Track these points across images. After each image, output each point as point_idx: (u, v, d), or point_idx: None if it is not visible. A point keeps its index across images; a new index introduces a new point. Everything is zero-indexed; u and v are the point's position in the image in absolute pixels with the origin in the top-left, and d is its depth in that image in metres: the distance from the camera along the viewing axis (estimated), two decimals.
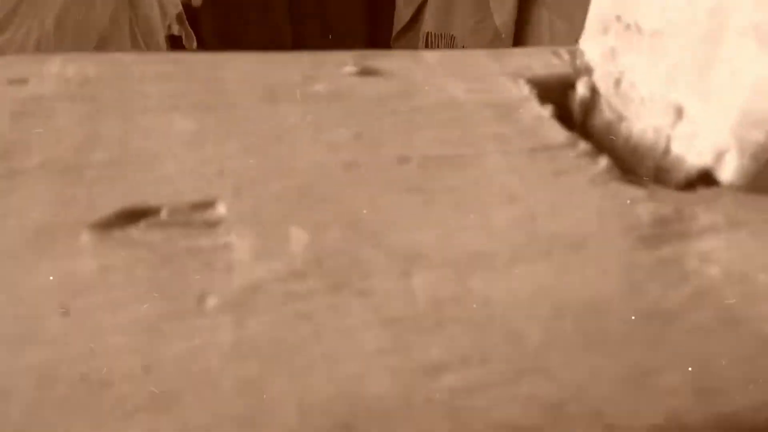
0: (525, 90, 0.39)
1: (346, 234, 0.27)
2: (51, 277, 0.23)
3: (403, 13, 2.31)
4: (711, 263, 0.27)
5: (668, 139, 0.36)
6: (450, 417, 0.20)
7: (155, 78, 0.38)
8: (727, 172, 0.32)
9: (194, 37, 1.93)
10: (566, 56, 0.42)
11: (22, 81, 0.35)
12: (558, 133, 0.35)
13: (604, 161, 0.33)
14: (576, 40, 0.42)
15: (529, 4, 2.02)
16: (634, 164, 0.36)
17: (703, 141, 0.34)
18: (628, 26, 0.38)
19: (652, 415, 0.21)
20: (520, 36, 2.07)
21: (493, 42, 2.11)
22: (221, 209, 0.28)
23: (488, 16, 2.07)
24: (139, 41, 1.86)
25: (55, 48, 1.58)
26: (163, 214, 0.27)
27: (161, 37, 1.85)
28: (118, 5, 1.72)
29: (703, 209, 0.30)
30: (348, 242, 0.27)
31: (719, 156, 0.33)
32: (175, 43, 1.89)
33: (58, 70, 0.36)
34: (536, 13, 2.02)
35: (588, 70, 0.41)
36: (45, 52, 1.56)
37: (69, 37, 1.61)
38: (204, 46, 1.97)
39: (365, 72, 0.39)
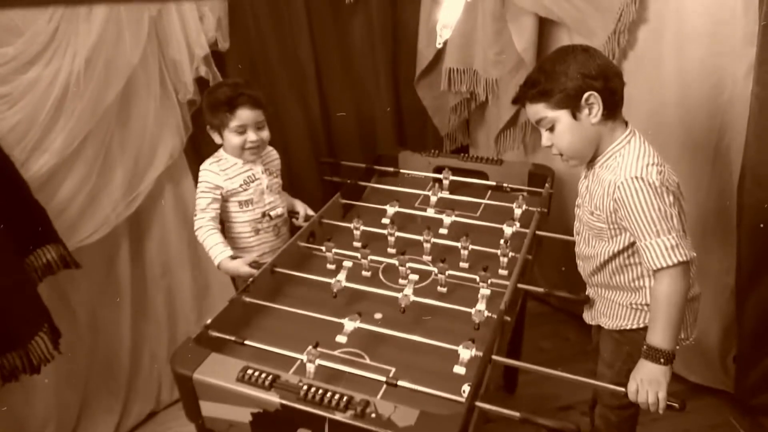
0: None
1: None
2: None
3: (425, 53, 2.35)
4: None
5: None
6: None
7: None
8: None
9: (221, 79, 1.98)
10: None
11: None
12: None
13: None
14: None
15: (548, 26, 2.03)
16: None
17: None
18: None
19: None
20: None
21: (516, 69, 2.10)
22: None
23: (509, 45, 2.08)
24: (167, 82, 1.91)
25: (84, 86, 1.63)
26: None
27: (189, 79, 1.90)
28: (148, 47, 1.78)
29: None
30: None
31: None
32: (202, 85, 1.94)
33: None
34: (556, 34, 2.03)
35: None
36: (72, 90, 1.61)
37: (98, 76, 1.66)
38: None
39: None
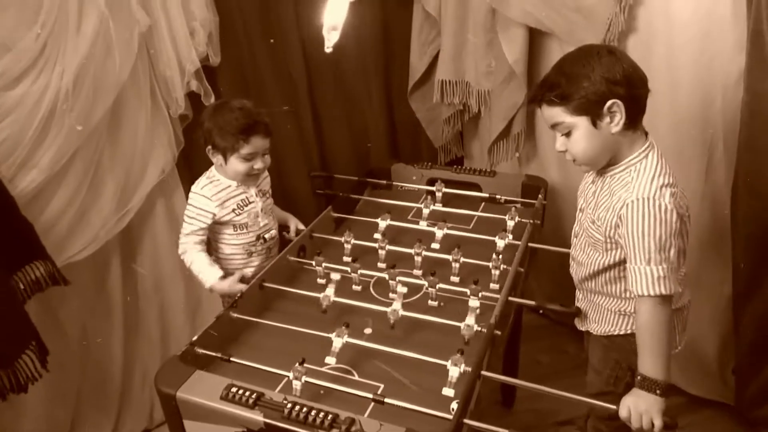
0: None
1: None
2: None
3: (417, 66, 2.35)
4: None
5: None
6: None
7: None
8: None
9: (212, 94, 1.98)
10: None
11: None
12: None
13: None
14: None
15: (539, 37, 2.03)
16: None
17: None
18: None
19: None
20: (533, 70, 2.06)
21: (508, 80, 2.10)
22: None
23: (500, 57, 2.07)
24: (159, 97, 1.91)
25: (72, 102, 1.62)
26: None
27: (180, 94, 1.90)
28: (138, 63, 1.78)
29: None
30: None
31: None
32: (194, 99, 1.94)
33: None
34: (547, 45, 2.02)
35: None
36: (61, 106, 1.60)
37: (87, 91, 1.65)
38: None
39: None
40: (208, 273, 1.58)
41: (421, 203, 1.85)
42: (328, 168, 2.32)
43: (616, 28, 1.71)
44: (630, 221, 1.15)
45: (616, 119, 1.17)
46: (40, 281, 1.63)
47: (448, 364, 1.16)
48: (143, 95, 1.83)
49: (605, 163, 1.24)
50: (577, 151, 1.22)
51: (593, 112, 1.17)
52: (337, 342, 1.25)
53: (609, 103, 1.15)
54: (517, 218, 1.69)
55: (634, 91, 1.16)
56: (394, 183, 2.01)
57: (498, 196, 1.87)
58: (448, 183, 1.92)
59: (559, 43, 1.95)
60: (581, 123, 1.19)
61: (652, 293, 1.14)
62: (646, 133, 1.23)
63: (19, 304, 1.55)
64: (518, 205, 1.82)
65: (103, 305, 1.96)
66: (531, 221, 1.65)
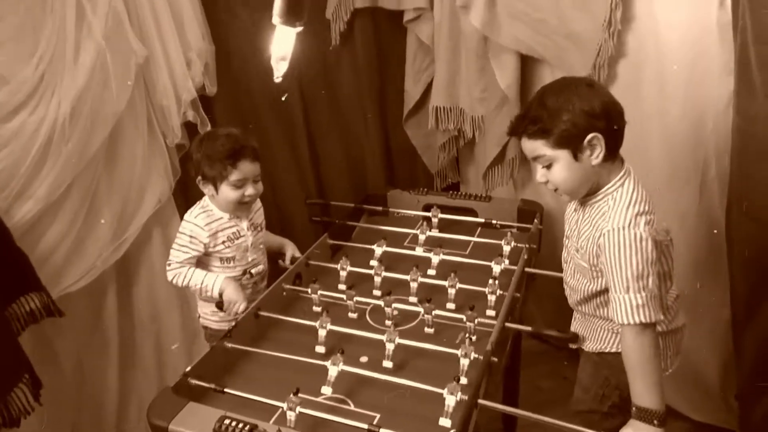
0: None
1: None
2: None
3: (411, 93, 2.38)
4: None
5: None
6: None
7: None
8: None
9: (209, 123, 1.99)
10: None
11: None
12: None
13: None
14: None
15: (530, 62, 2.05)
16: None
17: None
18: None
19: None
20: (526, 95, 2.08)
21: (501, 106, 2.12)
22: None
23: (492, 83, 2.10)
24: (155, 127, 1.92)
25: (69, 133, 1.64)
26: None
27: (177, 123, 1.92)
28: (135, 93, 1.80)
29: None
30: None
31: None
32: (190, 129, 1.96)
33: None
34: (539, 71, 2.05)
35: None
36: (58, 137, 1.61)
37: (84, 121, 1.66)
38: None
39: None
40: (211, 278, 1.56)
41: (418, 229, 1.85)
42: (324, 195, 2.33)
43: (605, 53, 1.74)
44: (607, 250, 1.17)
45: (596, 152, 1.19)
46: (34, 313, 1.62)
47: (445, 392, 1.14)
48: (140, 125, 1.85)
49: (585, 192, 1.27)
50: (558, 182, 1.25)
51: (574, 145, 1.19)
52: (333, 370, 1.23)
53: (589, 136, 1.18)
54: (513, 243, 1.69)
55: (613, 124, 1.19)
56: (390, 209, 2.01)
57: (494, 221, 1.87)
58: (444, 209, 1.93)
59: (550, 68, 1.98)
60: (562, 156, 1.21)
61: (632, 321, 1.15)
62: (623, 161, 1.26)
63: (13, 337, 1.54)
64: (514, 230, 1.81)
65: (99, 336, 1.94)
66: (527, 246, 1.65)
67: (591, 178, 1.23)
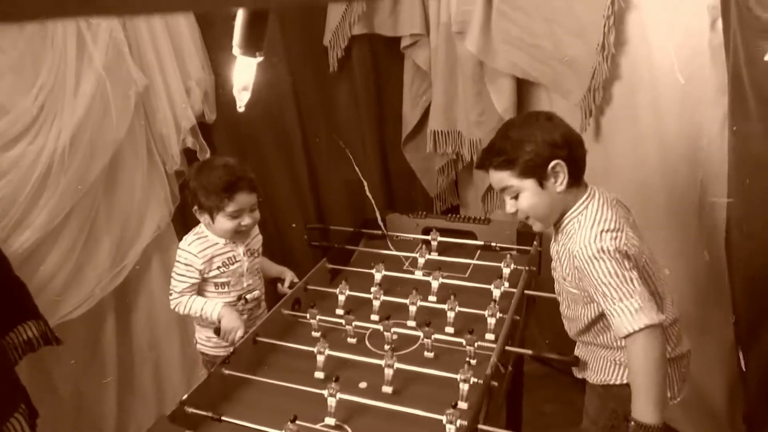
0: None
1: None
2: None
3: (409, 117, 2.40)
4: None
5: None
6: None
7: None
8: None
9: (208, 149, 2.01)
10: None
11: None
12: None
13: None
14: None
15: (526, 86, 2.07)
16: None
17: None
18: None
19: None
20: None
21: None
22: None
23: (489, 106, 2.12)
24: (155, 154, 1.94)
25: (69, 161, 1.65)
26: None
27: (176, 151, 1.93)
28: (135, 121, 1.82)
29: None
30: None
31: None
32: (189, 155, 1.97)
33: None
34: (535, 94, 2.06)
35: None
36: (57, 166, 1.62)
37: (84, 150, 1.68)
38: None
39: None
40: (210, 306, 1.55)
41: (417, 253, 1.85)
42: (323, 219, 2.33)
43: (600, 76, 1.75)
44: (585, 270, 1.19)
45: (560, 179, 1.24)
46: (32, 341, 1.61)
47: (444, 419, 1.13)
48: (140, 152, 1.87)
49: (555, 219, 1.30)
50: (527, 209, 1.28)
51: (539, 174, 1.24)
52: (331, 401, 1.22)
53: (552, 164, 1.22)
54: (512, 265, 1.68)
55: (574, 152, 1.24)
56: (389, 233, 2.01)
57: (493, 244, 1.87)
58: (444, 232, 1.92)
59: (546, 92, 1.99)
60: (528, 185, 1.25)
61: (636, 327, 1.14)
62: (587, 186, 1.29)
63: (10, 366, 1.53)
64: (514, 252, 1.81)
65: (97, 364, 1.93)
66: (527, 268, 1.64)
67: (558, 205, 1.27)
